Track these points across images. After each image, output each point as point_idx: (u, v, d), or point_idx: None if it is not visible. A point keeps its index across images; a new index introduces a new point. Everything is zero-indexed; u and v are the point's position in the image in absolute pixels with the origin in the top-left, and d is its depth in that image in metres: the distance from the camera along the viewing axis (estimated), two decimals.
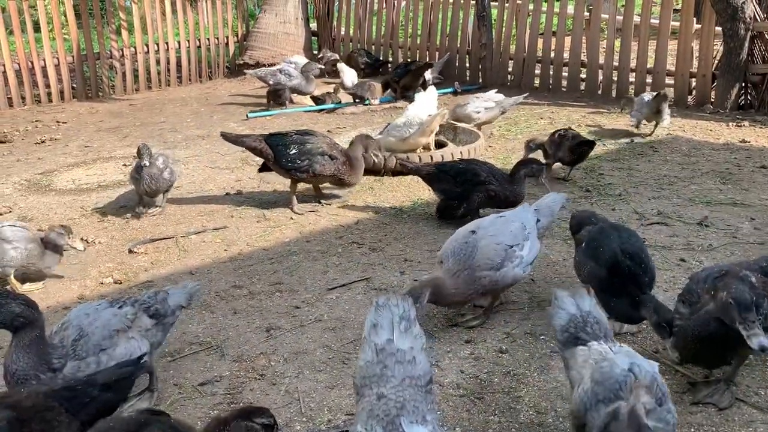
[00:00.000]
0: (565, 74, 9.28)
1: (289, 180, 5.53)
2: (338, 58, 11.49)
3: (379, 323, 2.26)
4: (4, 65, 9.70)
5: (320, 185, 5.70)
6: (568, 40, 9.66)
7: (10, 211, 5.60)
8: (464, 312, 3.81)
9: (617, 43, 9.12)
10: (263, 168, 5.72)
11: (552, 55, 9.54)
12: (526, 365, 3.31)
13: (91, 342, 2.76)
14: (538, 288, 4.08)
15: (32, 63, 9.94)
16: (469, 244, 3.53)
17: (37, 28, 10.37)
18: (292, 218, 5.33)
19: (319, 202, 5.64)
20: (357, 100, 9.10)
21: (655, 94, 7.11)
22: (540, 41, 9.69)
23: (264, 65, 10.78)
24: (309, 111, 9.11)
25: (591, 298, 2.77)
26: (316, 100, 9.30)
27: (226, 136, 5.58)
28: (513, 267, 3.53)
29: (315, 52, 12.32)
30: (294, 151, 5.31)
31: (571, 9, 9.60)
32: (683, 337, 2.87)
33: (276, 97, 9.17)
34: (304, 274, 4.35)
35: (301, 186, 5.63)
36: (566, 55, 9.59)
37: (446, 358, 3.38)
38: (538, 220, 3.78)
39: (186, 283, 3.28)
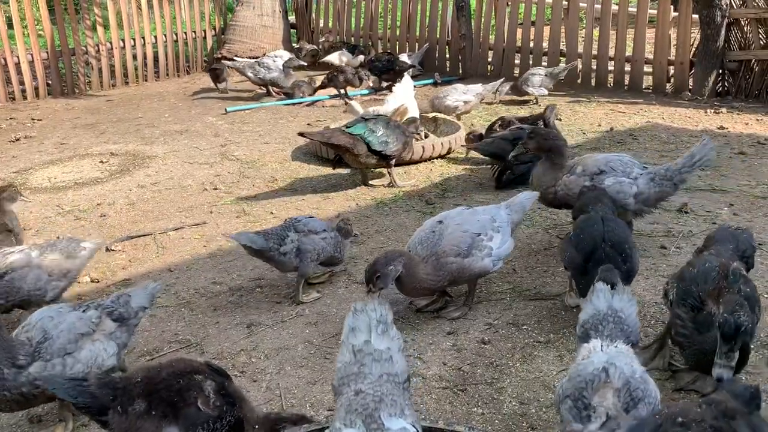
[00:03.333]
0: (544, 64, 9.28)
1: (361, 167, 5.65)
2: (317, 49, 11.42)
3: (357, 327, 2.27)
4: None
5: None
6: (547, 30, 9.66)
7: None
8: (445, 304, 3.79)
9: (596, 31, 9.14)
10: (338, 162, 5.80)
11: (531, 44, 9.54)
12: (509, 356, 3.30)
13: (55, 345, 2.72)
14: (520, 278, 4.07)
15: (5, 60, 9.76)
16: (436, 233, 3.54)
17: (10, 24, 10.18)
18: (272, 213, 5.28)
19: (366, 184, 5.78)
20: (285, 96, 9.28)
21: None
22: (519, 31, 9.69)
23: (242, 58, 10.66)
24: (288, 104, 9.04)
25: (628, 294, 2.71)
26: (288, 95, 9.24)
27: (303, 134, 5.66)
28: (482, 257, 3.52)
29: (294, 44, 12.22)
30: (380, 134, 5.38)
31: None
32: (697, 352, 2.79)
33: (215, 77, 9.88)
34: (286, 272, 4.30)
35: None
36: (545, 44, 9.60)
37: (429, 351, 3.36)
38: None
39: (147, 284, 3.20)
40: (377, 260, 3.36)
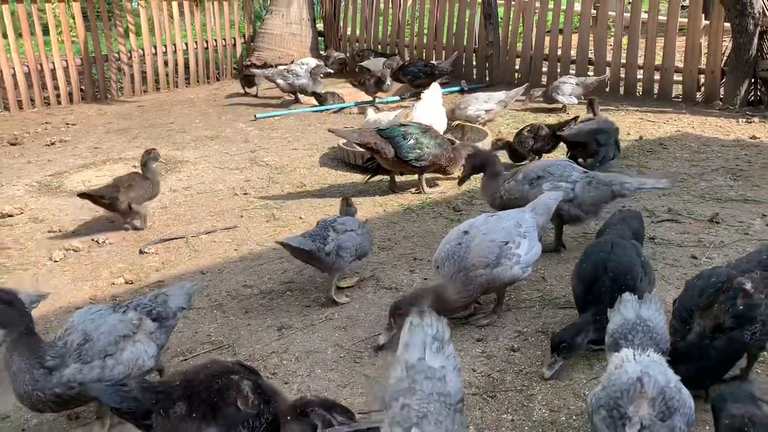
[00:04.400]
0: (572, 72, 9.25)
1: (396, 174, 5.74)
2: (345, 57, 11.51)
3: (411, 342, 2.25)
4: (14, 68, 9.76)
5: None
6: (575, 38, 9.63)
7: (21, 213, 5.63)
8: (474, 311, 3.80)
9: (625, 40, 9.09)
10: (376, 170, 5.84)
11: (559, 52, 9.53)
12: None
13: (96, 347, 2.76)
14: (550, 286, 4.07)
15: (41, 66, 10.00)
16: (462, 245, 3.50)
17: (46, 31, 10.44)
18: (301, 218, 5.34)
19: (394, 191, 5.80)
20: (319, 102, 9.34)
21: None
22: (547, 39, 9.68)
23: (271, 66, 10.80)
24: (316, 111, 9.13)
25: (657, 304, 2.71)
26: (318, 98, 9.33)
27: (333, 131, 5.78)
28: (511, 265, 3.49)
29: (321, 52, 12.33)
30: (412, 141, 5.38)
31: (578, 6, 9.59)
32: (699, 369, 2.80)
33: (248, 82, 10.24)
34: (314, 273, 4.34)
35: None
36: (573, 52, 9.57)
37: (458, 357, 3.37)
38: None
39: (184, 284, 3.25)
40: (404, 299, 3.37)
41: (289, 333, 3.68)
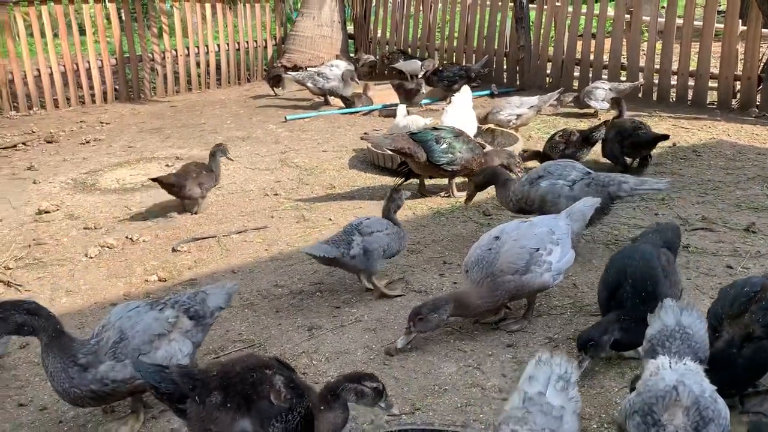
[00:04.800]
0: (604, 77, 9.16)
1: (425, 177, 5.76)
2: (375, 59, 11.55)
3: (535, 376, 2.25)
4: (51, 68, 9.98)
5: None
6: (608, 42, 9.54)
7: (57, 209, 5.74)
8: (505, 316, 3.79)
9: (659, 45, 8.97)
10: (408, 175, 5.84)
11: (591, 57, 9.44)
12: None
13: (130, 346, 2.81)
14: (581, 293, 4.03)
15: (77, 65, 10.21)
16: (492, 251, 3.49)
17: (82, 31, 10.65)
18: (330, 219, 5.37)
19: (423, 195, 5.80)
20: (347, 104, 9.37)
21: None
22: (579, 43, 9.60)
23: (301, 68, 10.88)
24: (345, 113, 9.18)
25: (697, 311, 2.68)
26: (346, 101, 9.36)
27: (366, 138, 5.86)
28: (541, 272, 3.46)
29: (352, 54, 12.38)
30: (445, 146, 5.39)
31: (611, 11, 9.50)
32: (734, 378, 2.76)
33: (276, 82, 10.50)
34: (344, 275, 4.37)
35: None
36: (606, 57, 9.47)
37: (488, 361, 3.37)
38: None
39: (224, 283, 3.29)
40: (425, 304, 3.39)
41: (319, 333, 3.71)
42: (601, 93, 8.03)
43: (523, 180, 4.49)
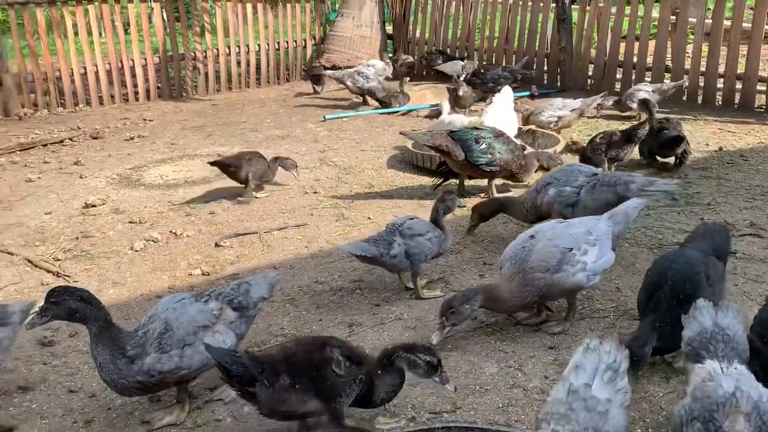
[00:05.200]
0: (647, 79, 9.00)
1: (464, 178, 5.73)
2: (413, 60, 11.55)
3: (582, 366, 2.16)
4: (96, 66, 10.23)
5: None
6: (652, 44, 9.37)
7: (103, 203, 5.88)
8: (546, 318, 3.76)
9: (705, 47, 8.79)
10: (447, 174, 5.85)
11: (635, 59, 9.29)
12: None
13: (175, 337, 2.86)
14: (624, 297, 3.98)
15: (122, 63, 10.44)
16: (526, 248, 3.50)
17: (126, 30, 10.89)
18: (369, 218, 5.39)
19: (463, 195, 5.73)
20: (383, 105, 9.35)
21: None
22: (622, 45, 9.46)
23: (340, 68, 10.95)
24: (383, 113, 9.20)
25: (733, 312, 2.63)
26: (382, 103, 9.37)
27: (405, 134, 5.91)
28: (574, 272, 3.44)
29: (390, 54, 12.41)
30: (484, 146, 5.38)
31: (655, 13, 9.33)
32: None
33: (316, 81, 10.64)
34: (383, 273, 4.38)
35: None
36: (649, 59, 9.31)
37: (529, 363, 3.35)
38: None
39: (267, 274, 3.33)
40: (454, 297, 3.40)
41: (359, 330, 3.73)
42: (643, 95, 7.89)
43: (532, 187, 4.59)
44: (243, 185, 5.84)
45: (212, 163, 5.82)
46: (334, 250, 4.81)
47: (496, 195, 5.60)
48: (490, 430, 2.67)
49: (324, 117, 8.95)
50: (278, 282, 3.32)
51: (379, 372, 2.64)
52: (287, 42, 11.99)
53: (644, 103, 6.54)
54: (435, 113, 8.50)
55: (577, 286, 3.52)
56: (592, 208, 4.24)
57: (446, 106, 7.02)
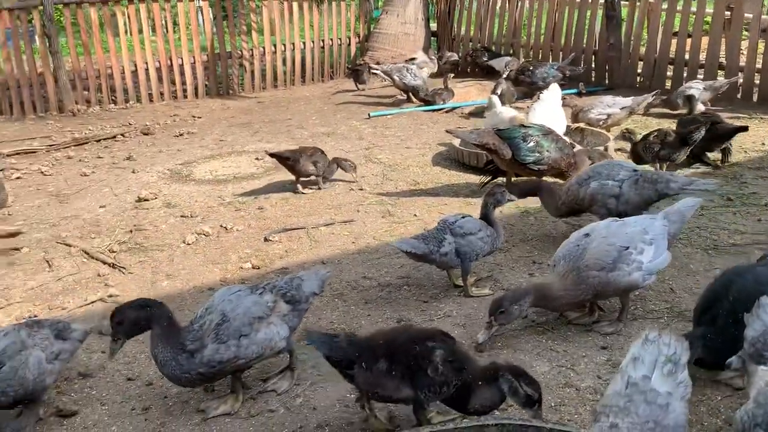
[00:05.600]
0: (700, 77, 8.78)
1: (511, 176, 5.66)
2: (457, 58, 11.50)
3: (640, 357, 2.12)
4: (146, 63, 10.47)
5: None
6: (705, 41, 9.13)
7: (155, 198, 6.02)
8: (599, 318, 3.71)
9: (761, 44, 8.52)
10: (495, 173, 5.82)
11: (686, 56, 9.07)
12: None
13: (232, 327, 2.91)
14: (678, 298, 3.89)
15: (171, 61, 10.66)
16: (580, 246, 3.46)
17: (174, 28, 11.13)
18: (415, 215, 5.39)
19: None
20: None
21: None
22: (674, 42, 9.24)
23: (383, 65, 10.97)
24: (427, 110, 9.18)
25: None
26: (425, 101, 9.35)
27: (451, 132, 5.95)
28: (630, 271, 3.38)
29: (435, 52, 12.37)
30: (532, 144, 5.35)
31: (709, 8, 9.09)
32: None
33: (357, 77, 10.68)
34: (430, 270, 4.38)
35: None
36: (702, 56, 9.08)
37: (582, 363, 3.30)
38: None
39: (318, 269, 3.38)
40: (505, 296, 3.38)
41: None
42: (695, 93, 7.69)
43: (573, 181, 4.59)
44: (299, 178, 5.98)
45: (272, 155, 5.95)
46: (381, 246, 4.83)
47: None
48: (543, 428, 2.64)
49: (368, 114, 8.98)
50: (328, 278, 3.36)
51: (480, 383, 2.62)
52: (331, 40, 12.07)
53: (689, 99, 6.43)
54: (480, 110, 8.44)
55: (632, 286, 3.46)
56: (634, 203, 4.33)
57: (496, 99, 7.01)
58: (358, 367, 2.61)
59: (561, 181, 5.77)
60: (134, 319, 2.86)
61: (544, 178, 5.33)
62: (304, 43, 11.72)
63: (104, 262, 4.72)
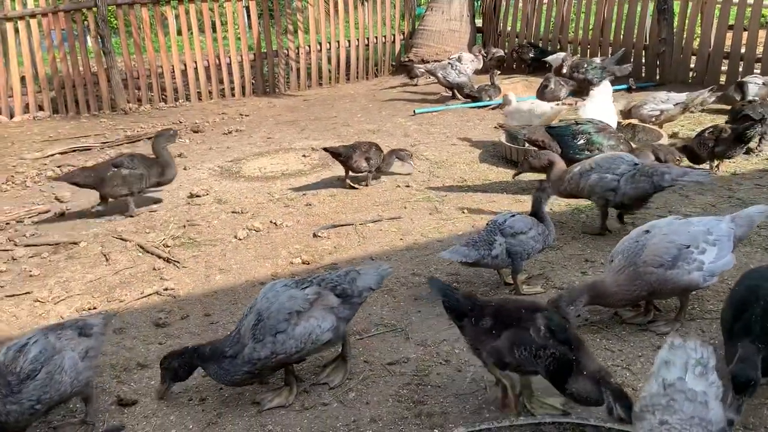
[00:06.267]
0: (757, 71, 8.50)
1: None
2: (503, 54, 11.40)
3: (671, 361, 2.17)
4: (195, 62, 10.67)
5: None
6: (762, 34, 8.84)
7: (207, 194, 6.14)
8: (654, 317, 3.63)
9: None
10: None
11: (742, 50, 8.79)
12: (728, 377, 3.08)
13: (267, 325, 2.96)
14: None
15: (219, 60, 10.85)
16: (640, 243, 3.41)
17: (218, 28, 11.32)
18: (463, 212, 5.37)
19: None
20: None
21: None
22: (728, 35, 8.97)
23: (428, 62, 10.96)
24: (473, 107, 9.13)
25: None
26: (472, 97, 9.29)
27: (502, 126, 6.04)
28: (689, 270, 3.31)
29: (480, 48, 12.29)
30: (582, 142, 5.32)
31: (767, 1, 8.80)
32: None
33: (409, 71, 11.03)
34: (480, 268, 4.34)
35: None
36: (759, 50, 8.79)
37: (638, 363, 3.24)
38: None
39: (379, 264, 3.38)
40: (560, 297, 3.36)
41: None
42: (753, 88, 7.45)
43: (575, 171, 4.71)
44: (350, 173, 6.09)
45: (326, 150, 6.05)
46: (429, 243, 4.82)
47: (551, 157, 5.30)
48: (602, 427, 2.61)
49: (414, 111, 8.98)
50: (389, 274, 3.36)
51: (585, 374, 2.64)
52: (376, 37, 12.10)
53: (739, 86, 6.28)
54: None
55: (691, 286, 3.38)
56: (631, 196, 4.49)
57: (512, 97, 7.10)
58: (467, 320, 2.82)
59: None
60: (174, 368, 3.10)
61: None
62: (348, 41, 11.78)
63: (159, 257, 4.84)
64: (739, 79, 7.25)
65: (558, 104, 6.95)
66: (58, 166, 7.28)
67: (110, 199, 5.72)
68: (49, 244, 5.18)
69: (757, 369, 2.71)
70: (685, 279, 3.34)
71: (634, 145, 5.67)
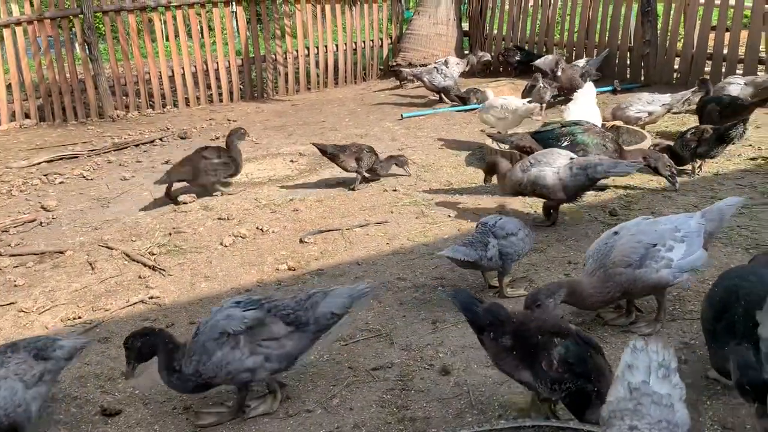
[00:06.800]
0: (739, 72, 8.58)
1: None
2: (489, 57, 11.45)
3: (634, 365, 2.18)
4: (183, 68, 10.66)
5: None
6: (744, 35, 8.93)
7: (193, 201, 6.13)
8: (636, 319, 3.67)
9: None
10: None
11: (725, 51, 8.88)
12: (707, 378, 3.12)
13: (200, 341, 2.93)
14: None
15: (206, 66, 10.84)
16: (609, 245, 3.47)
17: (206, 33, 11.32)
18: (449, 216, 5.40)
19: None
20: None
21: None
22: (711, 36, 9.05)
23: (416, 66, 11.00)
24: (460, 110, 9.17)
25: None
26: (463, 99, 9.33)
27: (491, 136, 6.19)
28: (658, 268, 3.36)
29: (466, 52, 12.35)
30: (566, 144, 5.35)
31: (748, 2, 8.88)
32: None
33: (398, 74, 11.18)
34: (465, 272, 4.38)
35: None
36: (741, 51, 8.88)
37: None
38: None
39: (356, 286, 3.15)
40: (540, 290, 3.39)
41: (443, 327, 3.75)
42: (735, 88, 7.53)
43: (517, 167, 4.91)
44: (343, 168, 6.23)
45: (315, 144, 6.27)
46: (415, 247, 4.84)
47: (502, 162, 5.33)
48: (582, 430, 2.63)
49: (401, 115, 9.01)
50: (364, 296, 3.11)
51: (598, 402, 2.52)
52: (364, 42, 12.13)
53: (703, 82, 6.40)
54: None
55: (661, 283, 3.43)
56: (570, 188, 4.73)
57: (489, 92, 7.22)
58: (486, 335, 2.78)
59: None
60: (138, 347, 2.95)
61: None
62: (336, 46, 11.80)
63: (145, 265, 4.84)
64: (702, 77, 7.42)
65: (530, 101, 7.09)
66: (45, 175, 7.26)
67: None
68: (35, 254, 5.17)
69: (762, 369, 2.66)
70: (654, 277, 3.38)
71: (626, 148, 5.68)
